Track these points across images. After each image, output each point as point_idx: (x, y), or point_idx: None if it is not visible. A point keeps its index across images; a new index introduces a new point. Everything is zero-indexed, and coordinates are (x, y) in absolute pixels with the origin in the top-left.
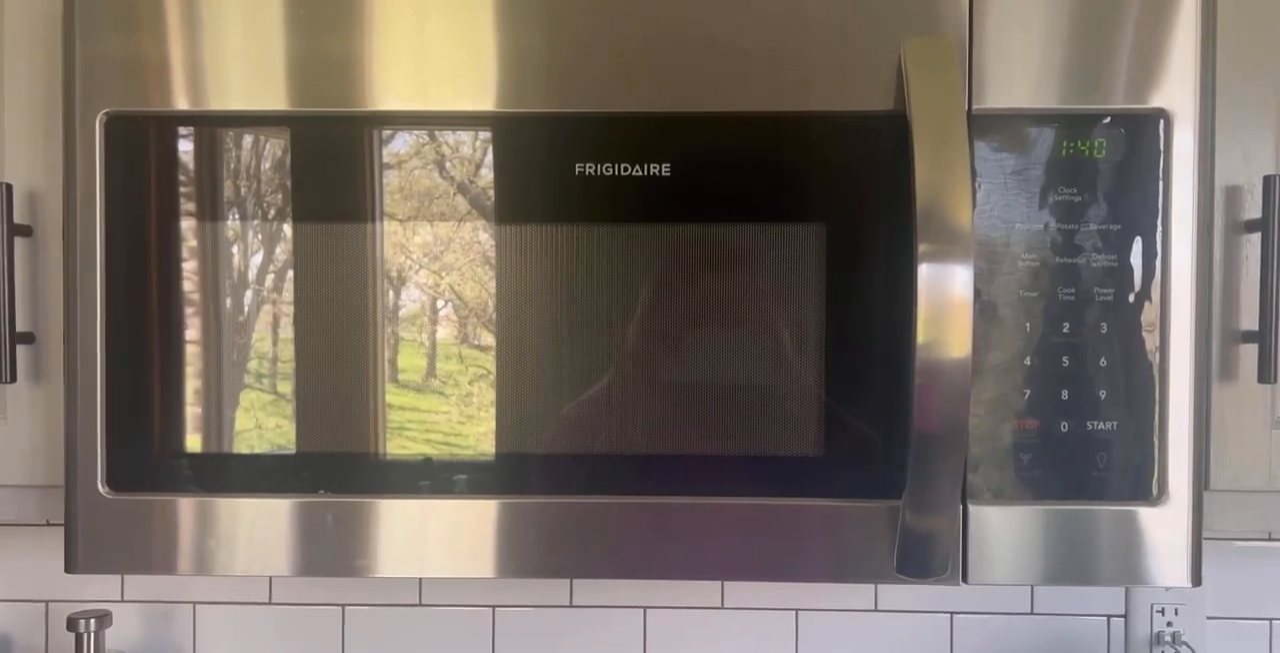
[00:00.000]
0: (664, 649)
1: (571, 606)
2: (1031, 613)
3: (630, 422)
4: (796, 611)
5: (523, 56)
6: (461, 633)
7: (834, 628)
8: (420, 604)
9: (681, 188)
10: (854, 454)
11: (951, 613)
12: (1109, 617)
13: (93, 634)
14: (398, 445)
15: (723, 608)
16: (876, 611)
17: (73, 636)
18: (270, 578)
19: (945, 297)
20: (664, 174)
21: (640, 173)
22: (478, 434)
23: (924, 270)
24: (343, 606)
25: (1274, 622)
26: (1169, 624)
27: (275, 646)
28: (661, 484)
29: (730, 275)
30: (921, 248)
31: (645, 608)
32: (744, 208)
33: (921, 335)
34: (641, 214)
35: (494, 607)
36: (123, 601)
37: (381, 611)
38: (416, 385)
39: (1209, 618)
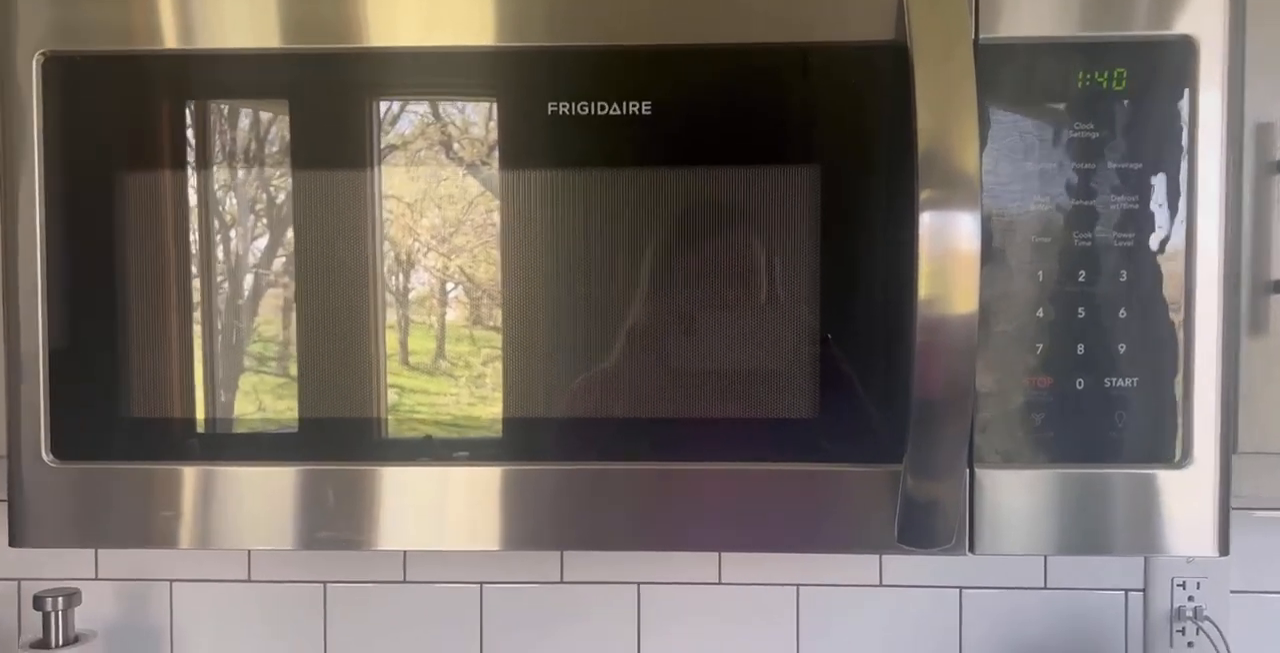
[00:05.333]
0: (659, 626)
1: (563, 581)
2: (1045, 588)
3: (614, 384)
4: (798, 585)
5: None
6: (449, 611)
7: (837, 604)
8: (405, 581)
9: (662, 128)
10: (852, 416)
11: (960, 588)
12: (1127, 591)
13: (60, 613)
14: (375, 410)
15: (720, 584)
16: (881, 585)
17: (39, 615)
18: (249, 554)
19: (949, 247)
20: (644, 113)
21: (619, 112)
22: (462, 401)
23: (926, 219)
24: (324, 583)
25: None
26: (1190, 599)
27: (256, 624)
28: (649, 450)
29: (716, 224)
30: (923, 194)
31: (639, 584)
32: (730, 149)
33: (923, 290)
34: (619, 157)
35: (481, 584)
36: (97, 579)
37: (365, 588)
38: (380, 351)
39: (1232, 592)
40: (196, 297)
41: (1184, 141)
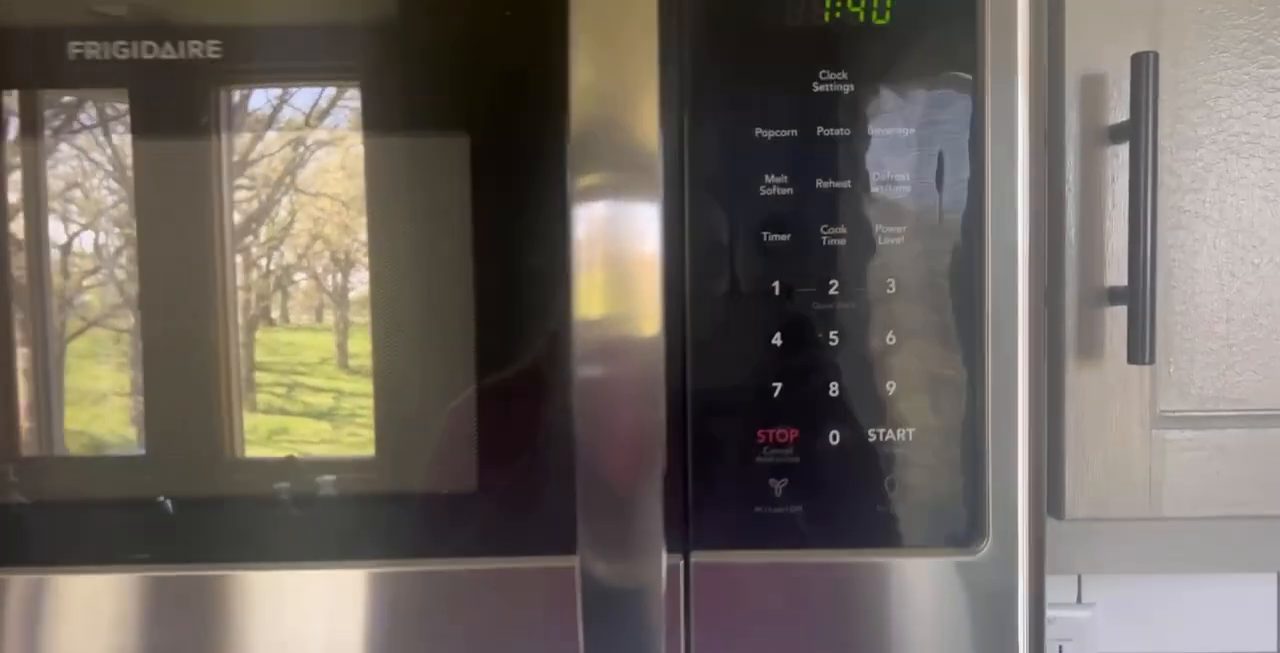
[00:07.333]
0: None
1: None
2: None
3: (176, 436)
4: None
5: None
6: None
7: None
8: None
9: (241, 78)
10: (521, 487)
11: None
12: None
13: None
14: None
15: None
16: None
17: None
18: None
19: (620, 251)
20: (211, 56)
21: (177, 54)
22: None
23: (582, 213)
24: None
25: None
26: None
27: None
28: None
29: (320, 215)
30: (580, 180)
31: None
32: (342, 110)
33: (580, 310)
34: (179, 120)
35: None
36: None
37: None
38: None
39: None
40: None
41: (974, 98)
